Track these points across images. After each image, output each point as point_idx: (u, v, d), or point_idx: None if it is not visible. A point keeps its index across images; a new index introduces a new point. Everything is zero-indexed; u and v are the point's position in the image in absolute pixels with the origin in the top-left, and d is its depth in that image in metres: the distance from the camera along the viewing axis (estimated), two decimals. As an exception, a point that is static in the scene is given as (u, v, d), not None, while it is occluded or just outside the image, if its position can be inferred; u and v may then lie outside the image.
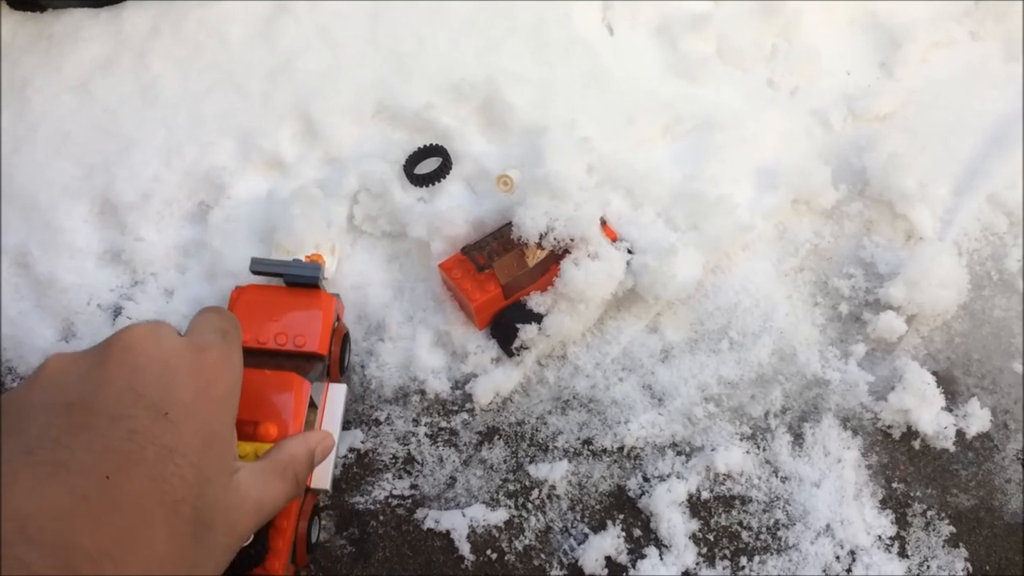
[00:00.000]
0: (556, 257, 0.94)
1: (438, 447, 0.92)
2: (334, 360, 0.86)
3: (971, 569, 0.86)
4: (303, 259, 0.88)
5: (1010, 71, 1.17)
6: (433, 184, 0.98)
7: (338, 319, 0.89)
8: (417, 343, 0.95)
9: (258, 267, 0.87)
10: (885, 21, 1.19)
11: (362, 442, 0.92)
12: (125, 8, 1.09)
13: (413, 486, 0.90)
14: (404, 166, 0.99)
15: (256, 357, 0.80)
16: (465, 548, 0.86)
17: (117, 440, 0.53)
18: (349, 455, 0.91)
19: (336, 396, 0.84)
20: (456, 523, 0.87)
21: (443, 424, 0.93)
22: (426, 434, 0.92)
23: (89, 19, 1.09)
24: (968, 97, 1.15)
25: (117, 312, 0.96)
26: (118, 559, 0.49)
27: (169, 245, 0.99)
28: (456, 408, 0.94)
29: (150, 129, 1.02)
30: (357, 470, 0.90)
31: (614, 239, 0.96)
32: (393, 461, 0.91)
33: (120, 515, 0.50)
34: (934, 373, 0.95)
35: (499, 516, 0.88)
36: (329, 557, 0.86)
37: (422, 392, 0.94)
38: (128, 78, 1.05)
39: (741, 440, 0.92)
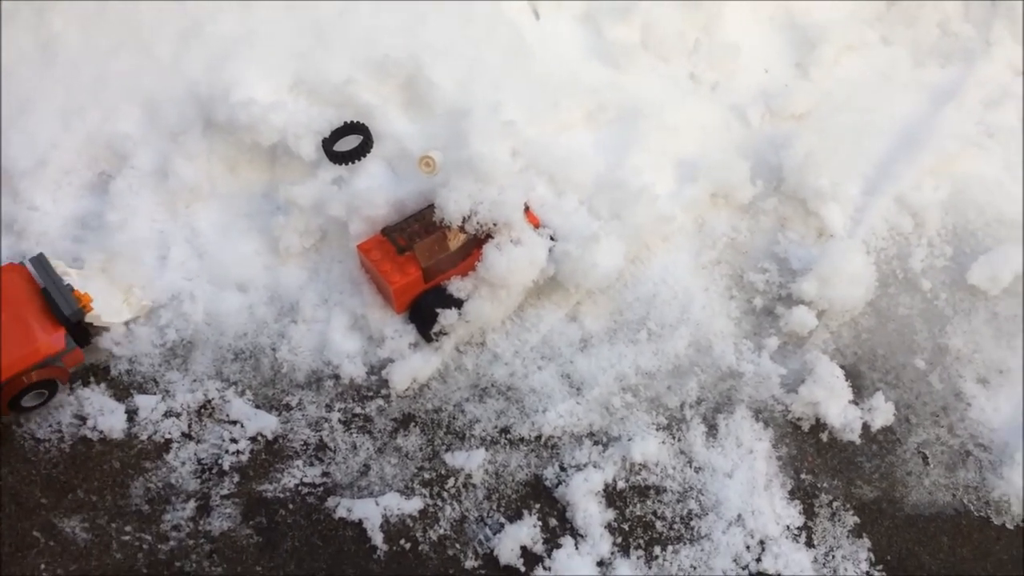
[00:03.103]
0: (478, 241, 0.92)
1: (352, 434, 0.89)
2: None
3: (873, 559, 0.89)
4: (74, 291, 0.84)
5: (919, 76, 1.21)
6: (353, 162, 0.95)
7: None
8: (332, 326, 0.92)
9: (34, 265, 0.86)
10: (801, 21, 1.21)
11: (272, 429, 0.88)
12: (25, -40, 1.02)
13: (325, 474, 0.87)
14: (323, 143, 0.95)
15: None
16: (378, 538, 0.84)
17: None
18: (258, 440, 0.87)
19: None
20: (369, 512, 0.85)
21: (357, 410, 0.90)
22: (339, 420, 0.89)
23: (-17, -31, 1.01)
24: (879, 100, 1.18)
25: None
26: None
27: (67, 215, 0.93)
28: (371, 394, 0.91)
29: (48, 89, 0.95)
30: (266, 457, 0.87)
31: (537, 225, 0.95)
32: (304, 448, 0.87)
33: None
34: (842, 367, 0.97)
35: (414, 505, 0.86)
36: (234, 547, 0.82)
37: (336, 377, 0.91)
38: (26, 34, 0.97)
39: (657, 430, 0.92)
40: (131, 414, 0.87)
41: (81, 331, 0.83)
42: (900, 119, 1.16)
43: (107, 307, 0.84)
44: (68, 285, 0.82)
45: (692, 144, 1.08)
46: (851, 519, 0.91)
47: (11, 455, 0.84)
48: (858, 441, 0.95)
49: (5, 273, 0.84)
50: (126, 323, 0.87)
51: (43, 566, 0.80)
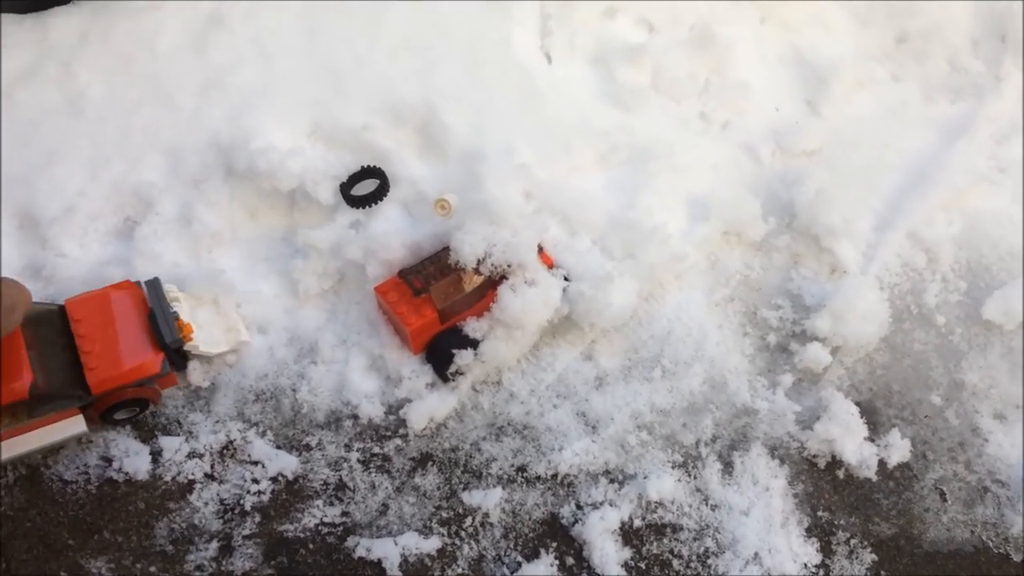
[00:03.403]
0: (493, 283, 0.93)
1: (370, 473, 0.90)
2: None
3: (892, 596, 0.89)
4: (178, 319, 0.87)
5: (929, 112, 1.22)
6: (370, 206, 0.97)
7: None
8: (350, 367, 0.94)
9: (147, 287, 0.89)
10: (811, 59, 1.23)
11: (293, 469, 0.89)
12: (52, 15, 1.05)
13: (344, 513, 0.88)
14: (341, 187, 0.97)
15: None
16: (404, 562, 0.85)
17: None
18: (279, 480, 0.88)
19: None
20: (388, 551, 0.85)
21: (376, 450, 0.91)
22: (358, 460, 0.91)
23: (13, 25, 1.04)
24: (889, 136, 1.19)
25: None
26: None
27: (93, 261, 0.95)
28: (389, 433, 0.92)
29: (75, 141, 0.98)
30: (286, 497, 0.88)
31: (551, 266, 0.96)
32: (324, 488, 0.89)
33: None
34: (857, 404, 0.97)
35: (432, 544, 0.87)
36: (256, 587, 0.84)
37: (355, 417, 0.93)
38: (53, 88, 1.01)
39: (673, 468, 0.93)
40: (155, 455, 0.89)
41: (179, 356, 0.86)
42: (911, 155, 1.17)
43: (208, 337, 0.88)
44: (175, 312, 0.85)
45: (703, 183, 1.09)
46: (869, 556, 0.91)
47: (39, 497, 0.86)
48: (875, 478, 0.95)
49: (119, 291, 0.87)
50: (222, 354, 0.91)
51: (69, 606, 0.82)
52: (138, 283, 0.90)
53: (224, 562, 0.84)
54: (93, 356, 0.80)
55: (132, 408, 0.85)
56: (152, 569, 0.84)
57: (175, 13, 1.06)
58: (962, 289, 1.08)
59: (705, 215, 1.07)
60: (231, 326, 0.88)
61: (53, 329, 0.82)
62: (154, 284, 0.85)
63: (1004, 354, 1.04)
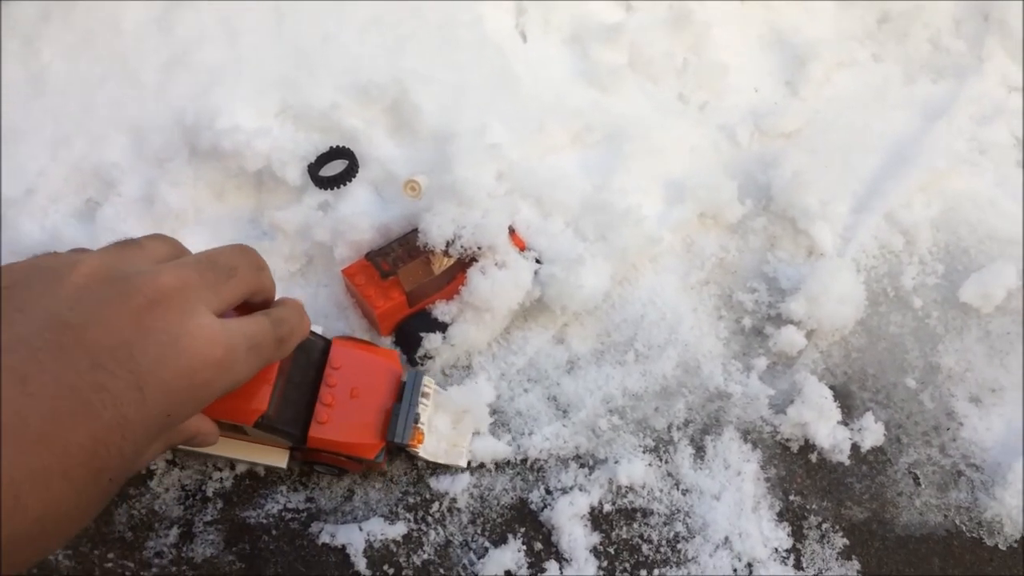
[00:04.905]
0: (463, 265, 0.92)
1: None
2: None
3: (863, 581, 0.88)
4: (417, 422, 0.84)
5: (909, 93, 1.21)
6: (339, 187, 0.95)
7: None
8: (317, 350, 0.92)
9: (409, 376, 0.85)
10: (791, 39, 1.21)
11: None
12: (13, -9, 1.03)
13: (309, 499, 0.87)
14: (309, 168, 0.95)
15: None
16: (361, 563, 0.84)
17: (85, 386, 0.51)
18: (241, 467, 0.87)
19: None
20: (352, 537, 0.84)
21: (342, 435, 0.90)
22: (324, 445, 0.89)
23: (-28, 1, 1.02)
24: (869, 117, 1.18)
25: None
26: (22, 495, 0.47)
27: (54, 244, 0.93)
28: (356, 418, 0.91)
29: (37, 120, 0.96)
30: (249, 483, 0.87)
31: (522, 248, 0.95)
32: (288, 473, 0.87)
33: (47, 456, 0.48)
34: (831, 387, 0.96)
35: (397, 530, 0.86)
36: (217, 574, 0.82)
37: (321, 401, 0.91)
38: (15, 65, 0.99)
39: (644, 452, 0.92)
40: (118, 440, 0.87)
41: (398, 450, 0.84)
42: (891, 136, 1.16)
43: (433, 446, 0.85)
44: (417, 414, 0.82)
45: (680, 164, 1.08)
46: (840, 541, 0.90)
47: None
48: (848, 462, 0.94)
49: (387, 360, 0.85)
50: (429, 464, 0.87)
51: (27, 593, 0.81)
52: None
53: (185, 548, 0.83)
54: (326, 410, 0.78)
55: (332, 469, 0.83)
56: (110, 556, 0.82)
57: (139, -11, 1.04)
58: (939, 272, 1.07)
59: (681, 197, 1.05)
60: (457, 444, 0.86)
61: (308, 360, 0.78)
62: (415, 377, 0.82)
63: (981, 337, 1.03)
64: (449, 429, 0.87)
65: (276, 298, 0.72)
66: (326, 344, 0.83)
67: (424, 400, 0.85)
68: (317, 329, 0.87)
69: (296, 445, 0.80)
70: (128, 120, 0.97)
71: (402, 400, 0.82)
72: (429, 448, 0.85)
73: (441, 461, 0.86)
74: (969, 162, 1.14)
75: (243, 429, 0.75)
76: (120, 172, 0.94)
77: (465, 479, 0.88)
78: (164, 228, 0.94)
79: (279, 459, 0.82)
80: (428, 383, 0.86)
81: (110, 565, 0.82)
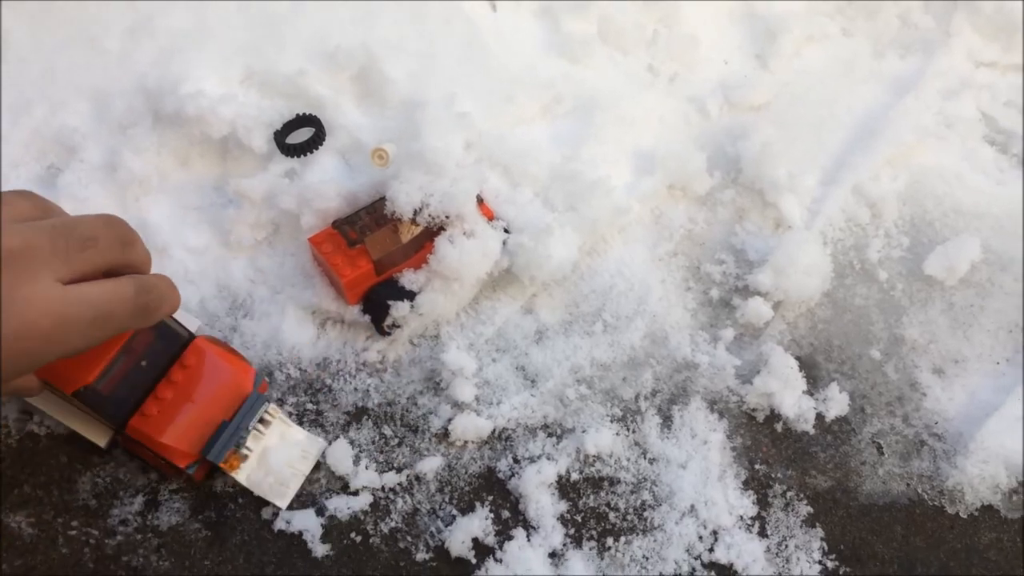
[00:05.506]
0: (431, 234, 0.92)
1: (304, 428, 0.88)
2: None
3: (827, 548, 0.89)
4: (239, 448, 0.81)
5: (878, 67, 1.22)
6: (305, 155, 0.94)
7: None
8: (284, 319, 0.91)
9: (250, 400, 0.83)
10: (762, 12, 1.22)
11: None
12: (-29, -48, 1.01)
13: (275, 468, 0.86)
14: (275, 135, 0.94)
15: None
16: (321, 542, 0.83)
17: None
18: (208, 435, 0.86)
19: None
20: (318, 506, 0.84)
21: (309, 405, 0.90)
22: (292, 414, 0.89)
23: (-72, -39, 1.00)
24: (838, 91, 1.18)
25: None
26: None
27: (14, 209, 0.92)
28: (323, 387, 0.91)
29: (-5, 84, 0.95)
30: (216, 451, 0.86)
31: (491, 218, 0.94)
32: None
33: None
34: (797, 358, 0.97)
35: (364, 499, 0.85)
36: (183, 542, 0.82)
37: (288, 371, 0.91)
38: (-28, 29, 0.97)
39: (612, 422, 0.92)
40: (80, 409, 0.86)
41: (214, 468, 0.81)
42: (859, 110, 1.16)
43: (256, 477, 0.82)
44: (242, 438, 0.80)
45: (649, 136, 1.08)
46: (804, 509, 0.91)
47: (-42, 451, 0.84)
48: (812, 431, 0.95)
49: (240, 374, 0.81)
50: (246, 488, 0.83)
51: (-12, 562, 0.80)
52: (261, 377, 0.84)
53: (150, 516, 0.82)
54: (157, 404, 0.75)
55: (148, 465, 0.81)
56: (74, 523, 0.81)
57: (103, -46, 1.02)
58: (904, 245, 1.08)
59: (650, 168, 1.05)
60: (285, 484, 0.82)
61: (166, 350, 0.76)
62: (255, 401, 0.80)
63: (944, 309, 1.04)
64: (283, 465, 0.83)
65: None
66: (189, 339, 0.81)
67: (261, 428, 0.82)
68: (194, 323, 0.86)
69: (116, 429, 0.78)
70: (90, 86, 0.96)
71: (232, 419, 0.80)
72: (251, 477, 0.82)
73: (258, 493, 0.82)
74: (936, 136, 1.15)
75: (71, 395, 0.74)
76: (82, 138, 0.93)
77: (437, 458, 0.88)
78: (127, 195, 0.93)
79: (100, 437, 0.80)
80: (274, 412, 0.84)
81: (74, 533, 0.81)
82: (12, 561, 0.79)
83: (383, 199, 0.91)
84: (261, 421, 0.82)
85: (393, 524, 0.85)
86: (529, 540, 0.85)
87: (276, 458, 0.82)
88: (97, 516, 0.82)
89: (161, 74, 0.95)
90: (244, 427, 0.81)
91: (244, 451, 0.81)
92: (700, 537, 0.88)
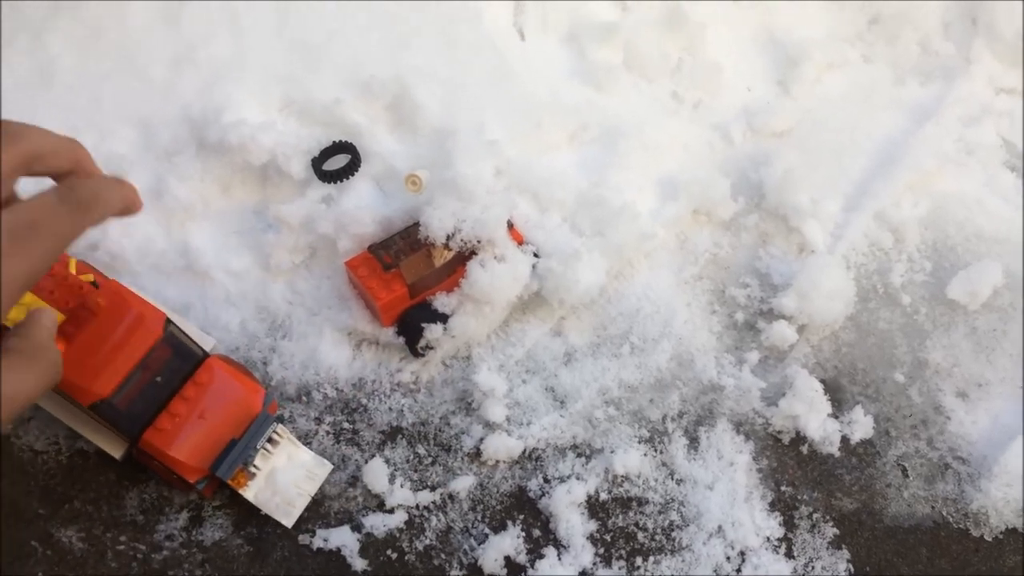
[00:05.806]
0: (463, 258, 0.94)
1: (340, 446, 0.91)
2: None
3: (853, 570, 0.90)
4: (248, 465, 0.84)
5: (898, 94, 1.23)
6: (342, 181, 0.97)
7: None
8: (321, 340, 0.94)
9: (261, 420, 0.84)
10: (783, 39, 1.24)
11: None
12: (21, -15, 1.04)
13: (313, 485, 0.88)
14: (312, 162, 0.97)
15: None
16: (360, 561, 0.86)
17: None
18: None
19: None
20: (357, 523, 0.86)
21: (346, 424, 0.92)
22: (328, 432, 0.91)
23: (-19, -6, 1.04)
24: (859, 117, 1.20)
25: None
26: None
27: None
28: (359, 407, 0.93)
29: (45, 112, 0.97)
30: (256, 469, 0.88)
31: (520, 242, 0.97)
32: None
33: None
34: (822, 381, 0.99)
35: (399, 516, 0.88)
36: (225, 557, 0.84)
37: (325, 390, 0.93)
38: (24, 58, 1.00)
39: (639, 443, 0.94)
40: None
41: (223, 485, 0.83)
42: (880, 136, 1.18)
43: (264, 495, 0.84)
44: (251, 456, 0.82)
45: (674, 162, 1.10)
46: (831, 531, 0.93)
47: (10, 467, 0.86)
48: (838, 454, 0.97)
49: (252, 394, 0.83)
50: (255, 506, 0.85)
51: (40, 575, 0.82)
52: (271, 397, 0.86)
53: (194, 532, 0.85)
54: (170, 419, 0.77)
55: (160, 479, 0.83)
56: (122, 538, 0.84)
57: (147, -14, 1.06)
58: (927, 269, 1.09)
59: (675, 194, 1.08)
60: (291, 503, 0.84)
61: (181, 367, 0.79)
62: (264, 421, 0.82)
63: (967, 333, 1.06)
64: (290, 485, 0.85)
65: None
66: (203, 357, 0.83)
67: (269, 447, 0.85)
68: (209, 342, 0.89)
69: (131, 442, 0.80)
70: (136, 114, 0.99)
71: (241, 437, 0.82)
72: (259, 495, 0.84)
73: (265, 511, 0.85)
74: (956, 162, 1.16)
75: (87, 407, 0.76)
76: (128, 164, 0.96)
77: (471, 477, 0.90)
78: (173, 221, 0.96)
79: (115, 449, 0.83)
80: (282, 432, 0.86)
81: (122, 547, 0.84)
82: (63, 574, 0.82)
83: (417, 224, 0.93)
84: (270, 441, 0.85)
85: (428, 541, 0.87)
86: (560, 559, 0.87)
87: (283, 478, 0.85)
88: (144, 531, 0.85)
89: (204, 103, 0.98)
90: (253, 446, 0.83)
91: (252, 469, 0.83)
92: (728, 558, 0.89)
